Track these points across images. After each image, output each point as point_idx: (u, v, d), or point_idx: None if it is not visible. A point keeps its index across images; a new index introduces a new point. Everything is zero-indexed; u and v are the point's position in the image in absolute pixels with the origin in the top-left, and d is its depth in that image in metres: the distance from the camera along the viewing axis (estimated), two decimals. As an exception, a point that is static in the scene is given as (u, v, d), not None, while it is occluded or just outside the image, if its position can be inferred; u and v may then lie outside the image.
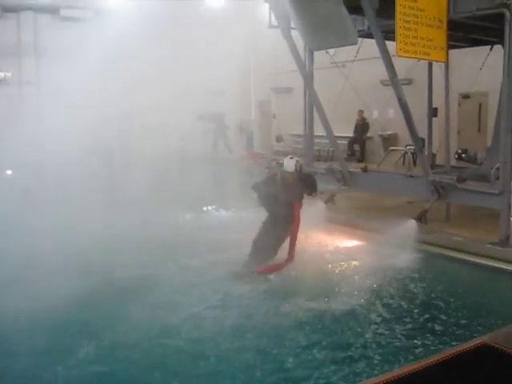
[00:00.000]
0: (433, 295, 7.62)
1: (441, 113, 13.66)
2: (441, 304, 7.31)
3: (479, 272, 8.82)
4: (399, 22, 9.43)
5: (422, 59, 10.45)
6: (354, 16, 10.47)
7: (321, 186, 12.60)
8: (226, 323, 6.58)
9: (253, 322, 6.66)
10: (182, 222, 11.50)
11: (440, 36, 10.09)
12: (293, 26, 11.20)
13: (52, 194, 11.72)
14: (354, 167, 12.62)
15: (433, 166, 12.16)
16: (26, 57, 25.20)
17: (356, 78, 14.92)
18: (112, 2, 23.42)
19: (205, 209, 12.92)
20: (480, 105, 17.54)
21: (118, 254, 8.91)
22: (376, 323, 6.64)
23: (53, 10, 25.45)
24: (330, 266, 8.91)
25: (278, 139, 24.04)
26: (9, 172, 16.59)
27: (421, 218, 10.20)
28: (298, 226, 8.60)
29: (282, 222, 8.58)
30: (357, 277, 8.31)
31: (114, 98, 11.41)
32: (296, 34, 11.30)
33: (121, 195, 11.50)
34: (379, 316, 6.86)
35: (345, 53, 12.82)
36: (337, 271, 8.71)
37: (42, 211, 10.45)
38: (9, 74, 25.09)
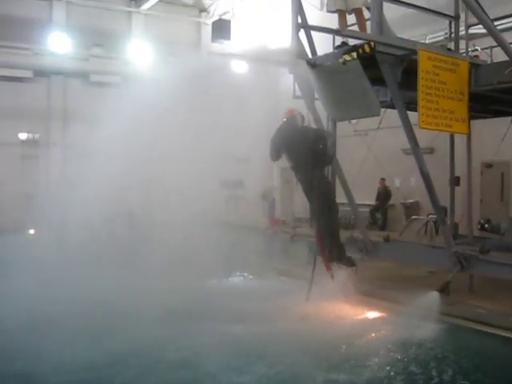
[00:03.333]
0: (458, 369, 7.43)
1: (463, 182, 13.65)
2: (470, 379, 7.13)
3: (505, 346, 8.58)
4: (421, 95, 9.55)
5: (444, 131, 10.51)
6: (376, 87, 10.65)
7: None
8: None
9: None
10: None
11: (461, 108, 10.20)
12: (316, 96, 11.39)
13: (73, 256, 11.78)
14: (376, 236, 12.56)
15: (455, 235, 12.05)
16: (54, 119, 25.92)
17: (378, 146, 15.03)
18: (139, 68, 24.23)
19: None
20: (502, 174, 17.55)
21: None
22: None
23: (83, 75, 26.31)
24: (350, 337, 8.75)
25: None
26: (31, 231, 16.79)
27: (443, 290, 10.02)
28: None
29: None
30: (379, 350, 8.16)
31: (139, 163, 11.59)
32: (319, 104, 11.47)
33: (142, 259, 11.53)
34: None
35: (367, 121, 12.93)
36: (358, 343, 8.56)
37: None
38: (37, 136, 25.78)
